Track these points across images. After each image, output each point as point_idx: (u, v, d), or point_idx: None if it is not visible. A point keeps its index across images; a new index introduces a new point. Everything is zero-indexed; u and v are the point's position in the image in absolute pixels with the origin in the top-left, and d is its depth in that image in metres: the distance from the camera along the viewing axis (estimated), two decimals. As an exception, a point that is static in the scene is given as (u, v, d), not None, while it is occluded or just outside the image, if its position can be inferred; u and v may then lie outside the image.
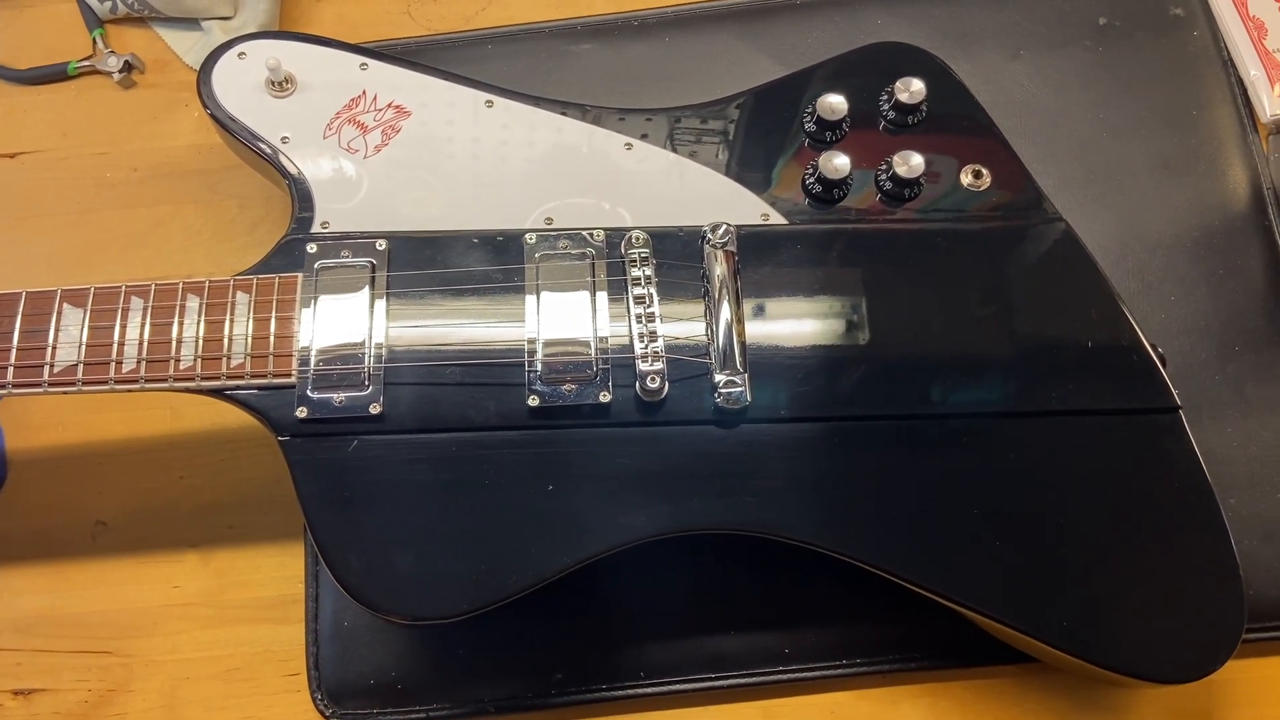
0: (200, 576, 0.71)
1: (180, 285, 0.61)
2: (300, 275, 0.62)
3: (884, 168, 0.65)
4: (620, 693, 0.66)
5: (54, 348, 0.60)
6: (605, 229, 0.64)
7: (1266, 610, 0.65)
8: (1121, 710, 0.66)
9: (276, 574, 0.70)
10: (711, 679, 0.66)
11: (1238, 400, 0.69)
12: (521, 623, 0.66)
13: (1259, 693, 0.66)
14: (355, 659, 0.67)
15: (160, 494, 0.72)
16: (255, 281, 0.62)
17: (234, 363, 0.60)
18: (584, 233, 0.64)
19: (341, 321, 0.61)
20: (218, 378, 0.60)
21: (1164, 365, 0.62)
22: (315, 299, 0.61)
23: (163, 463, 0.73)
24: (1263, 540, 0.67)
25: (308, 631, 0.68)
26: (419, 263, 0.63)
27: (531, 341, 0.61)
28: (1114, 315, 0.63)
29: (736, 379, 0.60)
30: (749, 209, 0.65)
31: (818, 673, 0.66)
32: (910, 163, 0.64)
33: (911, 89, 0.66)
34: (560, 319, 0.61)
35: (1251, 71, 0.76)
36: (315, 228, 0.64)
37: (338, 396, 0.59)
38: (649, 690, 0.66)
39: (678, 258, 0.63)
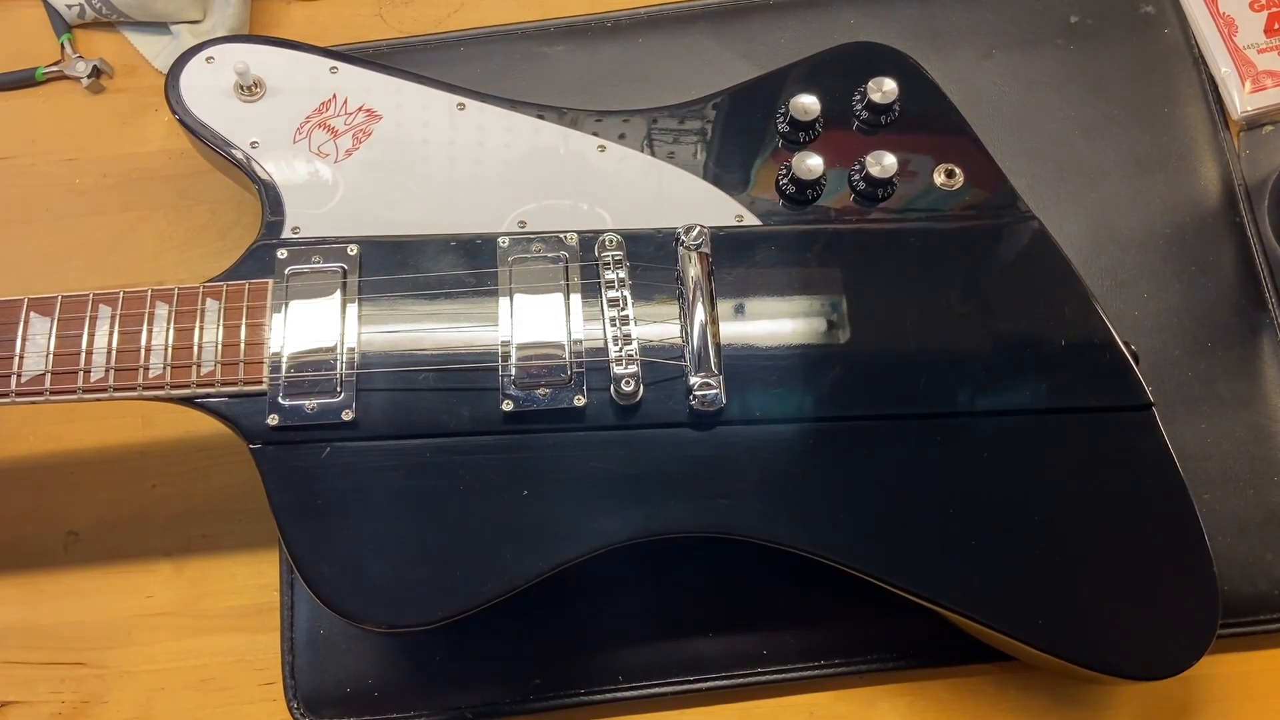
0: (174, 586, 0.70)
1: (149, 293, 0.60)
2: (271, 281, 0.61)
3: (857, 168, 0.65)
4: (598, 697, 0.66)
5: (21, 357, 0.59)
6: (578, 232, 0.63)
7: (1241, 606, 0.66)
8: (1098, 707, 0.66)
9: (251, 582, 0.70)
10: (689, 681, 0.66)
11: (1210, 396, 0.69)
12: (499, 629, 0.66)
13: (1233, 688, 0.66)
14: (332, 667, 0.66)
15: (132, 503, 0.72)
16: (225, 288, 0.61)
17: (204, 370, 0.59)
18: (557, 235, 0.63)
19: (313, 327, 0.60)
20: (187, 386, 0.59)
21: (1137, 362, 0.62)
22: (286, 305, 0.61)
23: (134, 471, 0.72)
24: (1236, 536, 0.67)
25: (283, 640, 0.67)
26: (391, 267, 0.62)
27: (505, 346, 0.60)
28: (1087, 313, 0.63)
29: (711, 381, 0.60)
30: (723, 210, 0.65)
31: (796, 674, 0.66)
32: (883, 163, 0.64)
33: (884, 89, 0.66)
34: (534, 323, 0.61)
35: (1222, 68, 0.77)
36: (286, 233, 0.63)
37: (309, 403, 0.59)
38: (627, 694, 0.66)
39: (651, 260, 0.63)
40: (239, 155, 0.65)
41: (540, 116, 0.67)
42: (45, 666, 0.69)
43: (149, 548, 0.71)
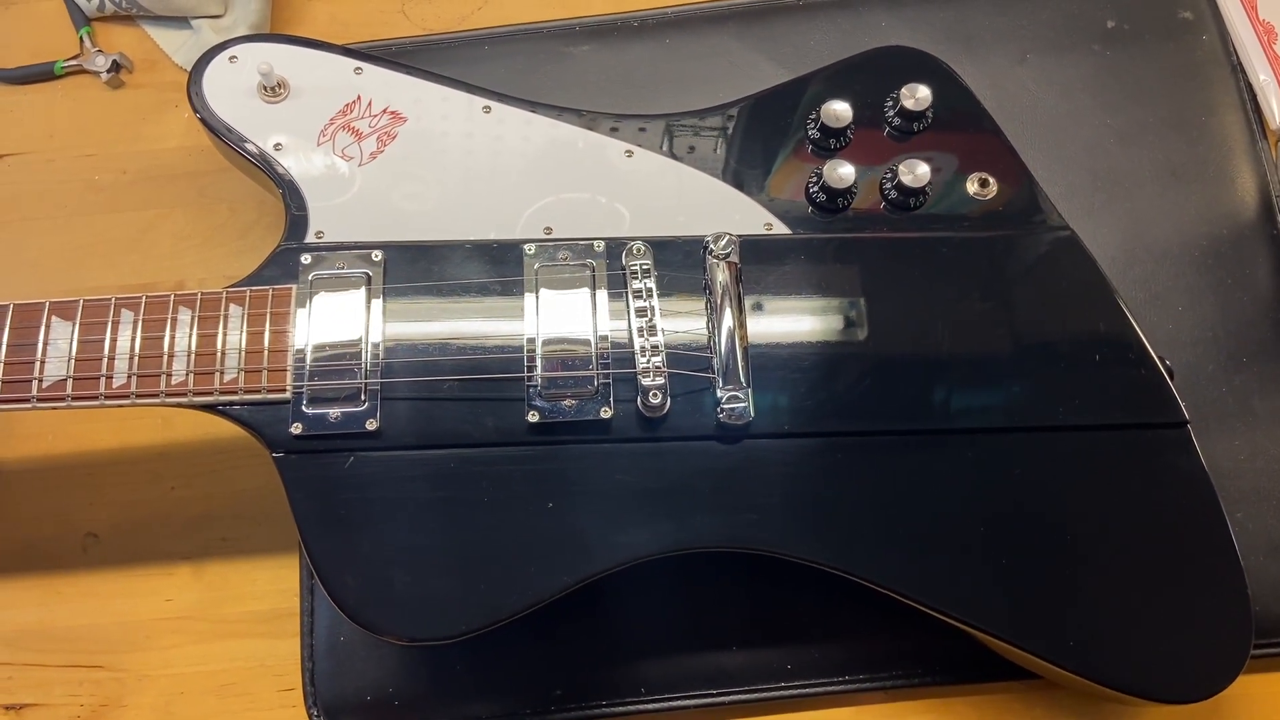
0: (193, 589, 0.70)
1: (171, 298, 0.60)
2: (294, 287, 0.61)
3: (889, 176, 0.64)
4: (620, 709, 0.65)
5: (42, 362, 0.58)
6: (605, 239, 0.62)
7: (1274, 626, 0.65)
8: (1126, 727, 0.65)
9: (271, 587, 0.69)
10: (713, 695, 0.65)
11: (1245, 412, 0.68)
12: (521, 639, 0.65)
13: (1265, 709, 0.65)
14: (351, 674, 0.66)
15: (152, 506, 0.71)
16: (248, 294, 0.60)
17: (227, 377, 0.58)
18: (584, 243, 0.62)
19: (337, 335, 0.60)
20: (211, 393, 0.58)
21: (1171, 378, 0.61)
22: (310, 312, 0.60)
23: (154, 474, 0.72)
24: (1269, 555, 0.66)
25: (303, 646, 0.67)
26: (415, 273, 0.62)
27: (531, 355, 0.59)
28: (1121, 327, 0.62)
29: (739, 394, 0.59)
30: (752, 218, 0.64)
31: (820, 688, 0.65)
32: (916, 171, 0.63)
33: (917, 95, 0.65)
34: (560, 332, 0.60)
35: (1261, 76, 0.75)
36: (309, 237, 0.62)
37: (333, 412, 0.58)
38: (650, 706, 0.65)
39: (679, 269, 0.62)
40: (262, 157, 0.64)
41: (565, 120, 0.66)
42: (64, 669, 0.69)
43: (168, 551, 0.70)
